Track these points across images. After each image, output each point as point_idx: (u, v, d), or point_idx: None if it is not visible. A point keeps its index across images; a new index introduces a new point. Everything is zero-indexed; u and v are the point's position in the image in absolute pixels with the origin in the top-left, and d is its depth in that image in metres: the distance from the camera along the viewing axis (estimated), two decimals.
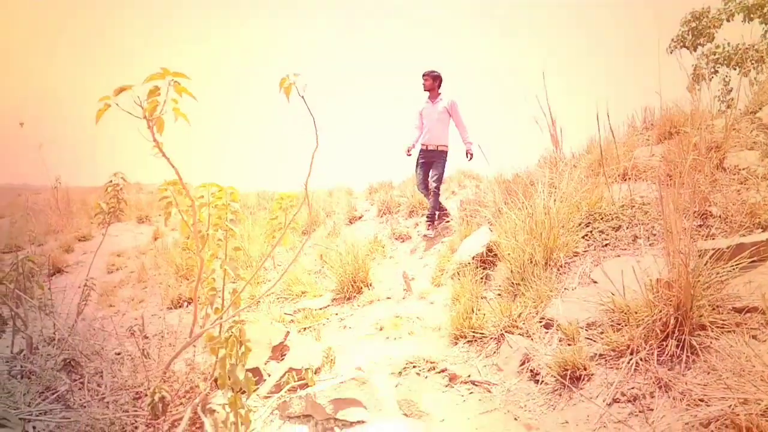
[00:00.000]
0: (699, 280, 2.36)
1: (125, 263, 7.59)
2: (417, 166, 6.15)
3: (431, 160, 6.02)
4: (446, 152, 6.00)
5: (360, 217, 8.13)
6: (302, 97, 2.36)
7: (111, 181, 3.35)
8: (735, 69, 9.53)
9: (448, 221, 5.94)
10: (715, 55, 10.19)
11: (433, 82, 5.96)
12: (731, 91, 9.05)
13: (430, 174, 6.01)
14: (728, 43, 9.88)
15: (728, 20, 9.84)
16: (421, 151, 6.09)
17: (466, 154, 5.97)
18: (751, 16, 9.39)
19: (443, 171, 6.03)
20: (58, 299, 3.91)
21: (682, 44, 10.38)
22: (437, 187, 5.94)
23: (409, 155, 6.16)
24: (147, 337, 3.57)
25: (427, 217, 6.14)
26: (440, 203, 6.16)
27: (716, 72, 10.20)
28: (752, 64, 9.44)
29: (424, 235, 6.13)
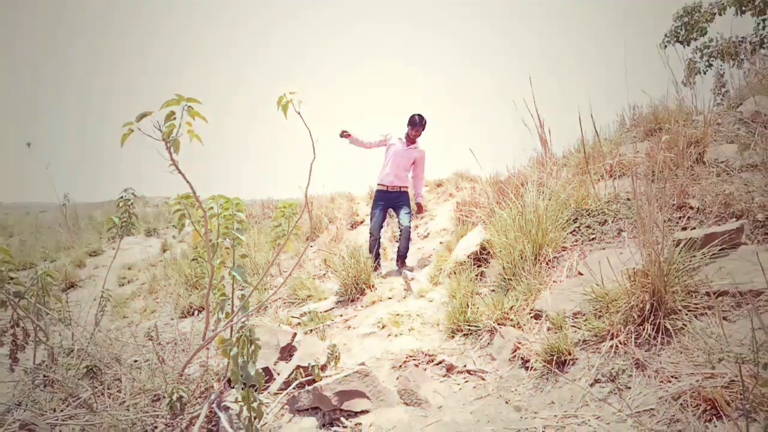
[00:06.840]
0: (672, 268, 2.55)
1: (136, 275, 7.82)
2: (374, 207, 5.80)
3: (396, 201, 5.79)
4: (407, 191, 5.86)
5: (362, 222, 8.33)
6: (299, 113, 2.56)
7: (122, 197, 3.53)
8: (729, 62, 9.70)
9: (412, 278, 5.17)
10: (708, 48, 10.40)
11: (423, 131, 5.68)
12: (725, 84, 9.22)
13: (402, 213, 5.71)
14: (721, 36, 10.08)
15: (720, 14, 10.03)
16: (382, 192, 5.79)
17: (417, 206, 5.95)
18: (743, 9, 9.57)
19: (410, 209, 5.84)
20: (74, 312, 4.10)
21: (675, 39, 10.58)
22: (409, 228, 5.71)
23: (343, 135, 5.66)
24: (161, 344, 3.76)
25: (399, 257, 5.75)
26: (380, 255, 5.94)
27: (711, 65, 10.40)
28: (745, 56, 9.61)
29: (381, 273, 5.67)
